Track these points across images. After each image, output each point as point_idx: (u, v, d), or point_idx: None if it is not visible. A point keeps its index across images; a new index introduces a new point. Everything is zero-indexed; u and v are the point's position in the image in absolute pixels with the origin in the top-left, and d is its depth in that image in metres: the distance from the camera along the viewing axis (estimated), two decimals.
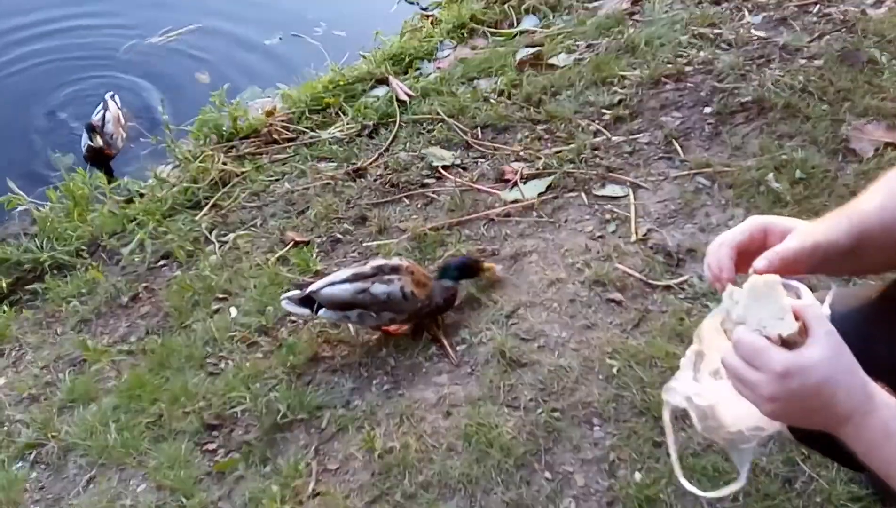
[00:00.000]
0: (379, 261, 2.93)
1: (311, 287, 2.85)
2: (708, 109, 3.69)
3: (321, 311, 2.82)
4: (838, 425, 1.12)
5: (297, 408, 2.74)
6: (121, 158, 5.16)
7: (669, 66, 3.96)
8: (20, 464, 2.82)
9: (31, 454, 2.84)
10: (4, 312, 3.65)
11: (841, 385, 1.09)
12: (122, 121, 5.30)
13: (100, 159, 5.04)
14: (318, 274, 3.34)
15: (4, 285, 3.80)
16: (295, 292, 2.91)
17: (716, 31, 4.13)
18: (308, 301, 2.85)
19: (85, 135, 5.07)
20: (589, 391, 2.64)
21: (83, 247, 3.91)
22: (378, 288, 2.80)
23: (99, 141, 4.98)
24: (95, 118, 5.15)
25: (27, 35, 6.07)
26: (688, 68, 3.93)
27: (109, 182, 4.37)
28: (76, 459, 2.78)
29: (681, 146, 3.55)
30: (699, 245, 3.07)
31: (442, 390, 2.76)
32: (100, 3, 6.36)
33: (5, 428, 2.96)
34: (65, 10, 6.23)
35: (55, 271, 3.81)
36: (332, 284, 2.84)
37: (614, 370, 2.68)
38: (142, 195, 4.24)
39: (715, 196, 3.28)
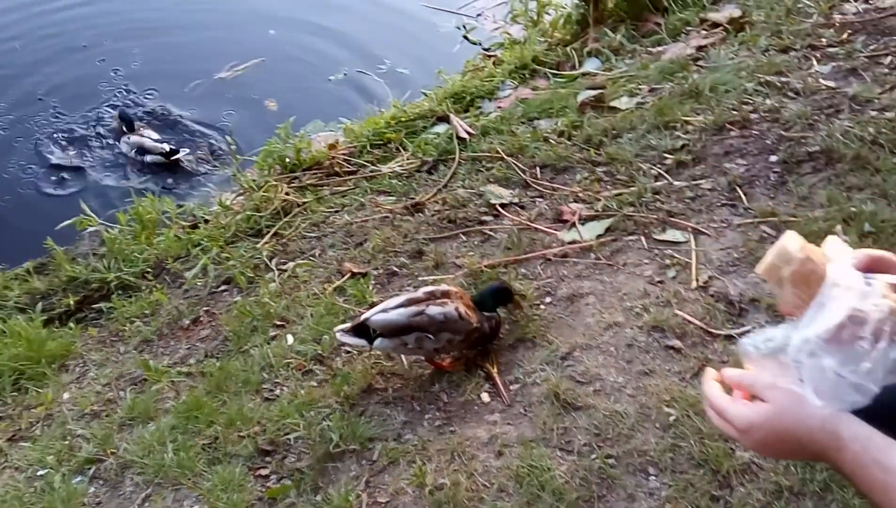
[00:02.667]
0: (429, 287, 2.98)
1: (365, 315, 2.87)
2: (774, 158, 3.64)
3: (377, 341, 2.84)
4: (820, 459, 1.24)
5: (349, 438, 2.76)
6: (191, 183, 5.33)
7: (734, 112, 3.93)
8: (79, 478, 2.89)
9: (90, 469, 2.91)
10: (71, 329, 3.78)
11: (801, 431, 1.22)
12: (140, 152, 5.56)
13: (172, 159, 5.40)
14: (374, 306, 3.38)
15: (72, 302, 3.94)
16: (347, 324, 2.93)
17: (783, 79, 4.09)
18: (363, 331, 2.87)
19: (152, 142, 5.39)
20: (645, 438, 2.59)
21: (148, 269, 4.04)
22: (434, 309, 2.84)
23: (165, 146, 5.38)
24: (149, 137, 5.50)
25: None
26: (753, 116, 3.89)
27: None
28: (133, 476, 2.83)
29: (745, 194, 3.50)
30: (762, 295, 3.01)
31: (494, 429, 2.74)
32: (166, 42, 6.61)
33: (67, 442, 3.04)
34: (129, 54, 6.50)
35: (121, 292, 3.95)
36: (386, 310, 2.87)
37: (671, 419, 2.63)
38: (206, 221, 4.37)
39: None
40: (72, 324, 3.83)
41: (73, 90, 6.09)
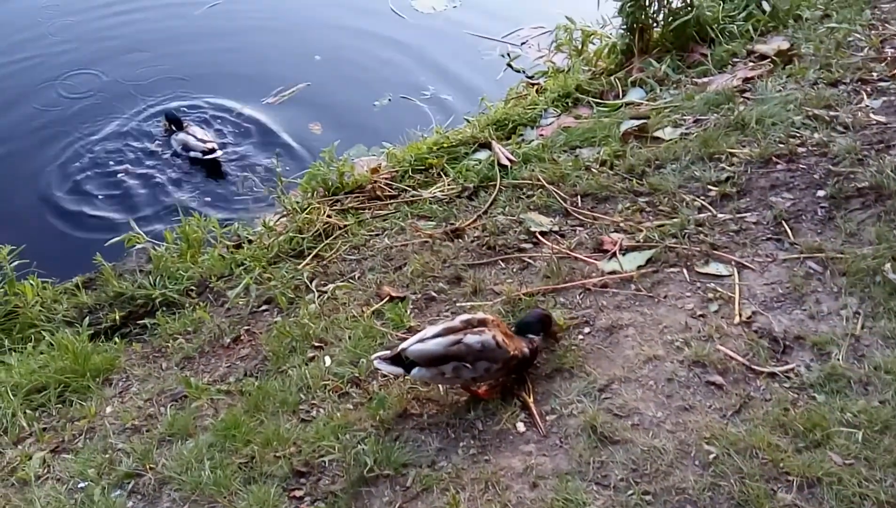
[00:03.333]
0: (466, 316, 2.97)
1: (402, 345, 2.89)
2: (821, 193, 3.57)
3: (414, 370, 2.85)
4: None
5: (383, 463, 2.76)
6: (236, 203, 5.42)
7: (781, 145, 3.87)
8: (118, 492, 2.94)
9: (129, 483, 2.96)
10: (116, 343, 3.87)
11: None
12: (184, 150, 5.84)
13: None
14: (411, 330, 3.39)
15: (118, 317, 4.04)
16: (386, 352, 2.95)
17: (832, 113, 4.02)
18: (400, 359, 2.88)
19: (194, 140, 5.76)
20: (684, 476, 2.54)
21: (192, 287, 4.13)
22: (471, 338, 2.84)
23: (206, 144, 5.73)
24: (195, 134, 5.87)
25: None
26: (801, 149, 3.83)
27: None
28: (170, 493, 2.87)
29: (791, 228, 3.44)
30: (808, 333, 2.94)
31: (529, 459, 2.72)
32: (215, 70, 6.77)
33: (108, 455, 3.10)
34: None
35: (165, 308, 4.04)
36: (423, 340, 2.87)
37: (711, 457, 2.58)
38: (250, 241, 4.45)
39: (826, 283, 3.14)
40: (117, 339, 3.92)
41: (121, 113, 6.22)
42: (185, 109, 6.24)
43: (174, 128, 5.89)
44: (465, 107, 5.83)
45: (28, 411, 3.50)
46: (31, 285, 4.16)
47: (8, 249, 4.16)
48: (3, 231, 4.99)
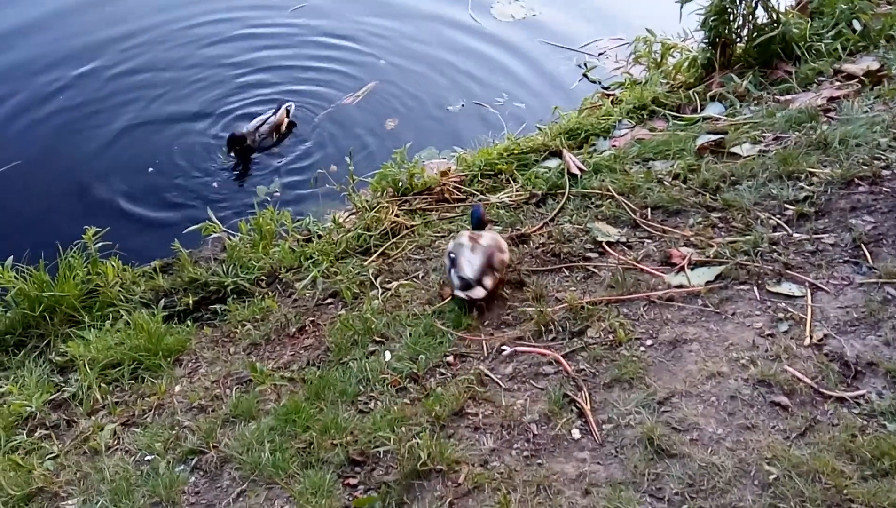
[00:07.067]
0: (461, 238, 3.62)
1: (468, 277, 3.47)
2: None
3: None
4: None
5: (437, 458, 2.78)
6: (308, 198, 5.52)
7: (865, 167, 3.74)
8: (182, 467, 3.06)
9: (192, 459, 3.08)
10: (188, 326, 4.02)
11: None
12: (282, 129, 6.13)
13: (238, 144, 5.90)
14: (469, 330, 3.42)
15: (191, 302, 4.19)
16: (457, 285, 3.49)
17: None
18: (469, 285, 3.45)
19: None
20: (741, 495, 2.48)
21: (263, 277, 4.25)
22: (487, 238, 3.68)
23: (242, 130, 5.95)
24: (262, 118, 6.06)
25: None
26: (885, 172, 3.69)
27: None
28: (231, 471, 2.97)
29: (870, 252, 3.32)
30: (882, 359, 2.83)
31: (582, 466, 2.70)
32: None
33: (174, 432, 3.23)
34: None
35: (236, 296, 4.17)
36: (471, 263, 3.51)
37: (772, 478, 2.51)
38: (320, 236, 4.56)
39: None
40: (189, 322, 4.07)
41: (197, 117, 6.38)
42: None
43: (238, 147, 5.91)
44: (537, 115, 5.82)
45: (102, 384, 3.67)
46: (113, 266, 4.36)
47: (93, 230, 4.37)
48: (91, 215, 5.25)
